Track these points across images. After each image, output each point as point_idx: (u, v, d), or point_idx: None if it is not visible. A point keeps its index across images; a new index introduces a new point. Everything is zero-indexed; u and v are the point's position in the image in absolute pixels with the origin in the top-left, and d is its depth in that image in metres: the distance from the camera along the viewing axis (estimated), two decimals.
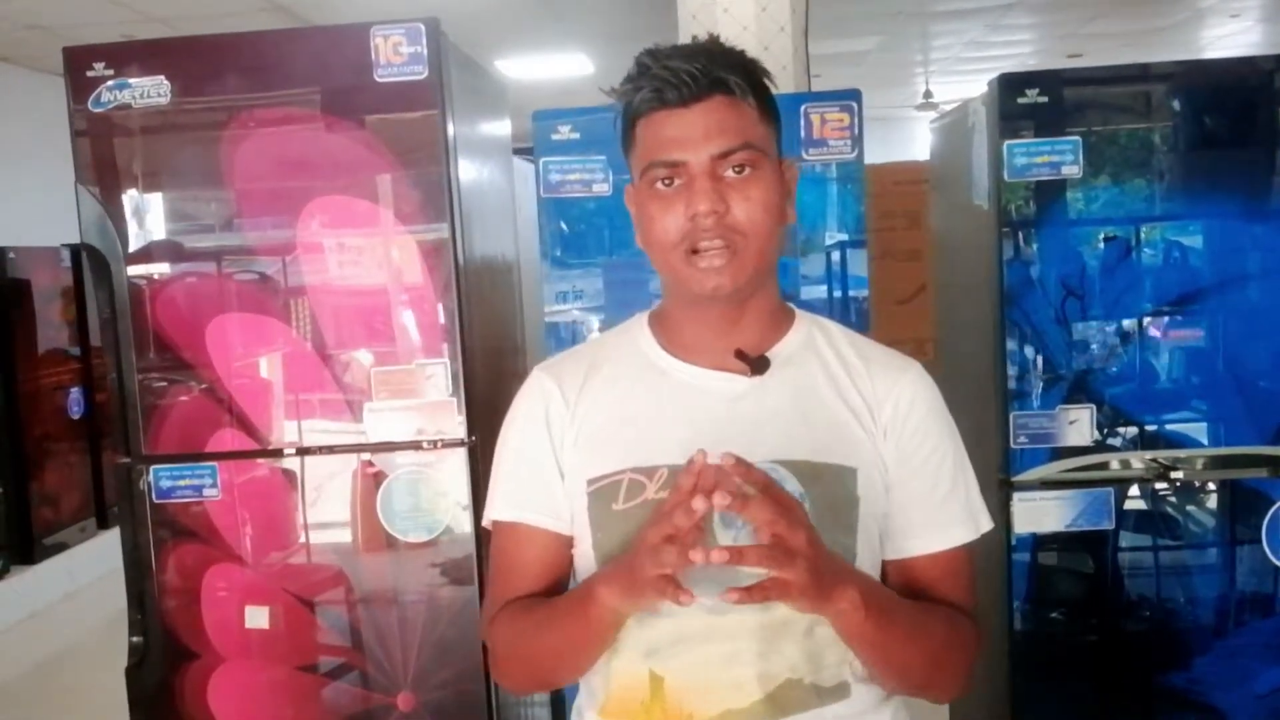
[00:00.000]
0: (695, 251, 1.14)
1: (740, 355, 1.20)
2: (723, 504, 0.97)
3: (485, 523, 1.29)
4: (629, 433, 1.20)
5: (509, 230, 2.79)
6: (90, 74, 2.20)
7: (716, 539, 1.10)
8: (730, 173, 1.13)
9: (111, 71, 2.20)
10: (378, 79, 2.17)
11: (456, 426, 2.24)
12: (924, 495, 1.20)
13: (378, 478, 2.28)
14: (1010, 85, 2.30)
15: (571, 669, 1.22)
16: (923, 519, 1.21)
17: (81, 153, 2.25)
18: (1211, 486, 2.49)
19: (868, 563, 1.18)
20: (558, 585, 1.25)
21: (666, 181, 1.14)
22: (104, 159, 2.26)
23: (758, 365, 1.20)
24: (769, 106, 1.18)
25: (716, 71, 1.12)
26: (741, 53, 1.18)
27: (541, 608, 1.20)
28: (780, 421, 1.17)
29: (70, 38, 5.16)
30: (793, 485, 1.14)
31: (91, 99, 2.20)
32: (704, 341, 1.22)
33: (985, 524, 1.24)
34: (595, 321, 2.45)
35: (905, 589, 1.21)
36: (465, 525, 2.27)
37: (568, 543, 1.24)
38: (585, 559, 1.21)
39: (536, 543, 1.23)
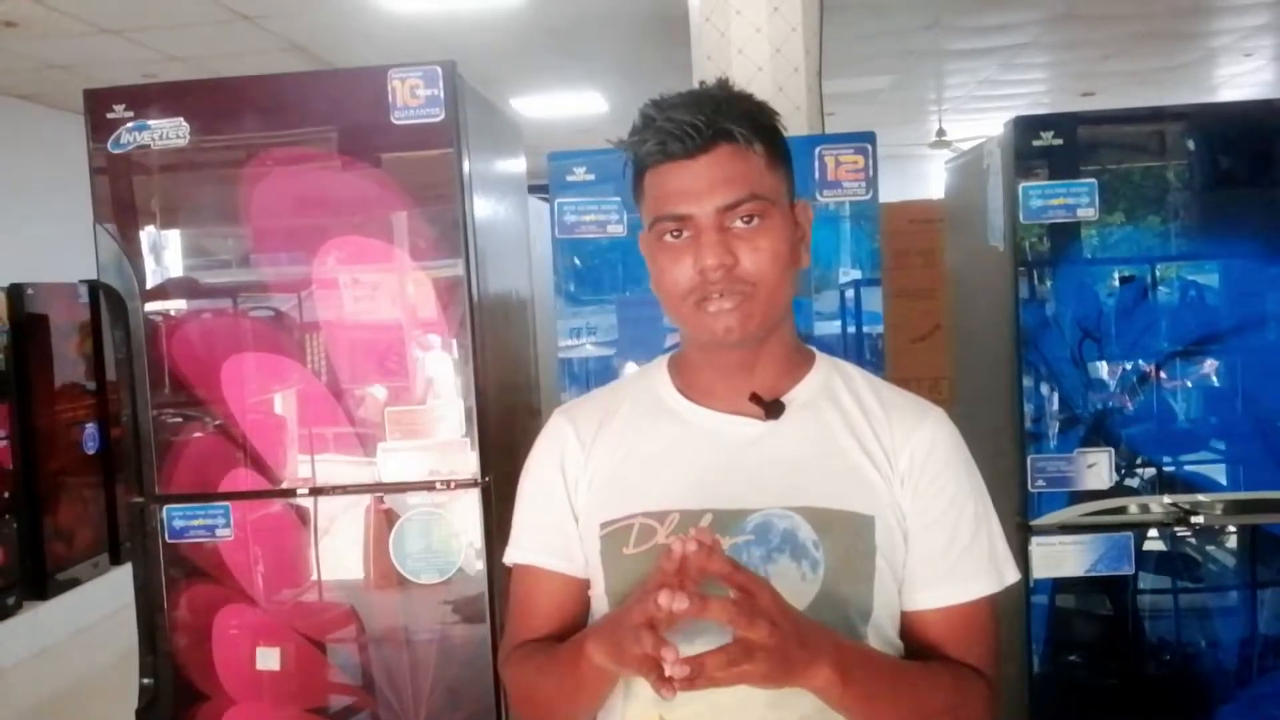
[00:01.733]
0: (705, 299, 1.13)
1: (755, 399, 1.19)
2: (680, 608, 0.95)
3: (505, 563, 1.29)
4: (641, 476, 1.19)
5: (523, 267, 2.80)
6: (110, 115, 2.22)
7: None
8: (738, 223, 1.12)
9: (131, 113, 2.22)
10: (394, 121, 2.18)
11: (470, 467, 2.24)
12: (942, 546, 1.17)
13: (390, 517, 2.27)
14: (1025, 127, 2.30)
15: (571, 715, 1.20)
16: (939, 571, 1.17)
17: (100, 192, 2.27)
18: (1232, 529, 2.46)
19: (885, 614, 1.16)
20: (572, 627, 1.24)
21: (675, 234, 1.14)
22: (122, 198, 2.28)
23: (772, 409, 1.18)
24: (778, 151, 1.17)
25: (721, 122, 1.11)
26: (749, 98, 1.17)
27: (543, 655, 1.20)
28: (795, 466, 1.16)
29: (91, 77, 5.22)
30: (806, 533, 1.13)
31: (111, 140, 2.23)
32: (720, 385, 1.21)
33: (1010, 576, 1.20)
34: (615, 358, 2.45)
35: (919, 644, 1.18)
36: (478, 566, 2.25)
37: (583, 585, 1.24)
38: (599, 601, 1.22)
39: (550, 586, 1.24)
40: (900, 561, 1.17)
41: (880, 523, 1.15)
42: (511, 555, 1.27)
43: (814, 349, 1.28)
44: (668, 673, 0.95)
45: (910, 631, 1.19)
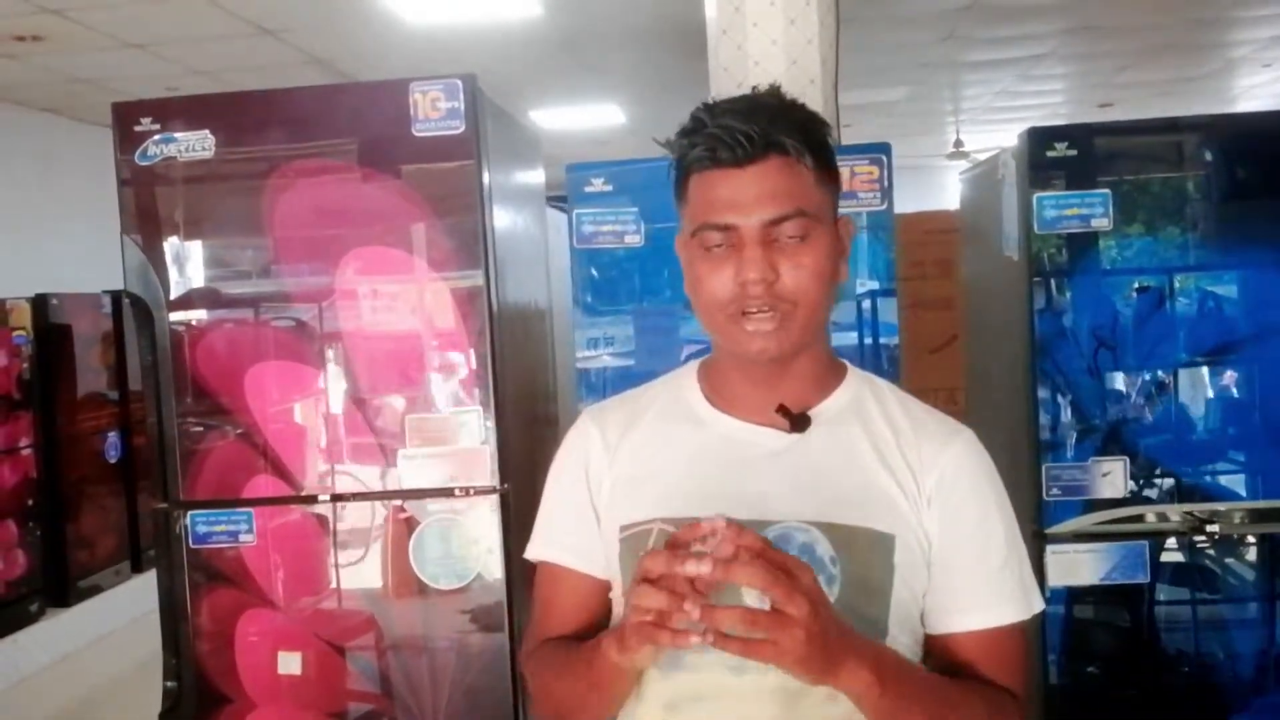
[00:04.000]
0: (743, 314, 1.12)
1: (782, 410, 1.17)
2: (704, 570, 0.93)
3: (527, 558, 1.29)
4: (663, 482, 1.19)
5: (541, 278, 2.82)
6: (138, 128, 2.26)
7: (743, 597, 1.05)
8: (783, 238, 1.10)
9: (158, 126, 2.26)
10: (416, 133, 2.21)
11: (489, 474, 2.26)
12: (971, 568, 1.15)
13: (410, 524, 2.29)
14: (1039, 138, 2.31)
15: (589, 715, 1.19)
16: (970, 594, 1.15)
17: (126, 203, 2.30)
18: (1250, 540, 2.46)
19: (903, 637, 1.14)
20: (595, 626, 1.23)
21: (718, 244, 1.12)
22: (147, 209, 2.32)
23: (798, 422, 1.17)
24: (828, 166, 1.15)
25: (774, 133, 1.09)
26: (802, 109, 1.15)
27: (563, 653, 1.20)
28: (817, 481, 1.14)
29: (115, 90, 5.27)
30: (824, 548, 1.11)
31: (138, 152, 2.26)
32: (748, 395, 1.19)
33: (1038, 604, 1.18)
34: (633, 369, 2.46)
35: (948, 667, 1.15)
36: (497, 573, 2.27)
37: (605, 586, 1.23)
38: (619, 604, 1.21)
39: (570, 584, 1.24)
40: (920, 583, 1.14)
41: (900, 543, 1.13)
42: (533, 551, 1.27)
43: (847, 363, 1.27)
44: (693, 615, 0.93)
45: (940, 655, 1.16)
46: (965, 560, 1.15)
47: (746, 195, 1.10)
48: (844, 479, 1.15)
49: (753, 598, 1.03)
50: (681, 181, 1.17)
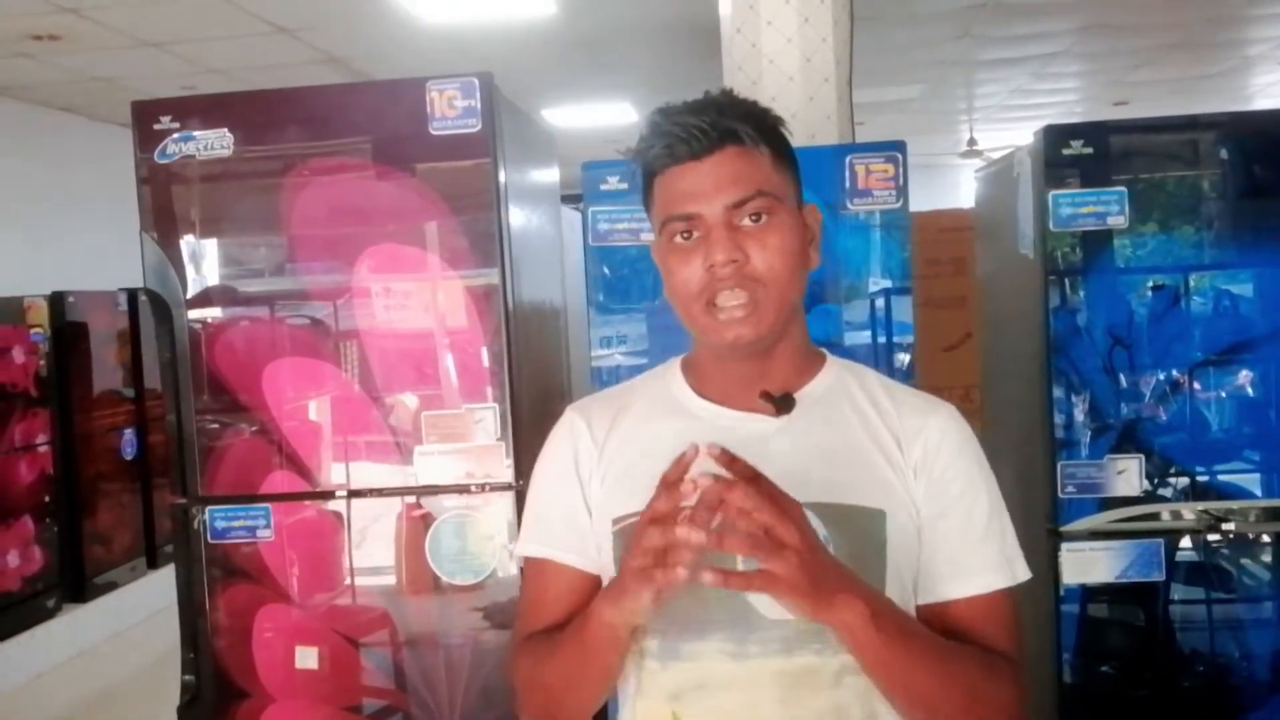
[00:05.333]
0: (714, 303, 1.15)
1: (765, 396, 1.20)
2: (705, 485, 0.97)
3: (515, 556, 1.31)
4: (654, 473, 1.17)
5: (556, 276, 2.83)
6: (157, 126, 2.28)
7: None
8: (747, 221, 1.14)
9: (177, 125, 2.27)
10: (432, 131, 2.23)
11: (504, 470, 2.27)
12: (957, 536, 1.18)
13: (425, 520, 2.31)
14: (1055, 136, 2.31)
15: (579, 697, 1.19)
16: (956, 561, 1.18)
17: (145, 201, 2.32)
18: (1266, 539, 2.45)
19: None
20: None
21: (685, 235, 1.15)
22: (166, 207, 2.33)
23: (783, 404, 1.20)
24: (784, 153, 1.19)
25: (726, 123, 1.13)
26: (753, 103, 1.19)
27: (552, 635, 1.21)
28: (807, 463, 1.17)
29: (132, 89, 5.31)
30: (817, 527, 1.12)
31: (158, 150, 2.28)
32: (732, 385, 1.22)
33: (1022, 573, 1.20)
34: (646, 367, 2.47)
35: (942, 635, 1.16)
36: (511, 569, 2.28)
37: (595, 580, 1.24)
38: None
39: (562, 579, 1.24)
40: (913, 556, 1.17)
41: (891, 517, 1.16)
42: (524, 548, 1.28)
43: (825, 351, 1.29)
44: (691, 539, 0.96)
45: (932, 623, 1.17)
46: (951, 527, 1.18)
47: (707, 184, 1.13)
48: (832, 459, 1.18)
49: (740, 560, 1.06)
50: (648, 188, 1.20)
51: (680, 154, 1.14)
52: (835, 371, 1.25)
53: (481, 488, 2.27)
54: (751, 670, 1.12)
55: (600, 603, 1.09)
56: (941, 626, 1.17)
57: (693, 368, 1.28)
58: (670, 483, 1.01)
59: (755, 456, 1.15)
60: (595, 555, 1.23)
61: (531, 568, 1.28)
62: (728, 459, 1.00)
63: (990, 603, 1.18)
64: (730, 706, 1.13)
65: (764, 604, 1.10)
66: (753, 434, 1.19)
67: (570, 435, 1.27)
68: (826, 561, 1.02)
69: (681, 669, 1.14)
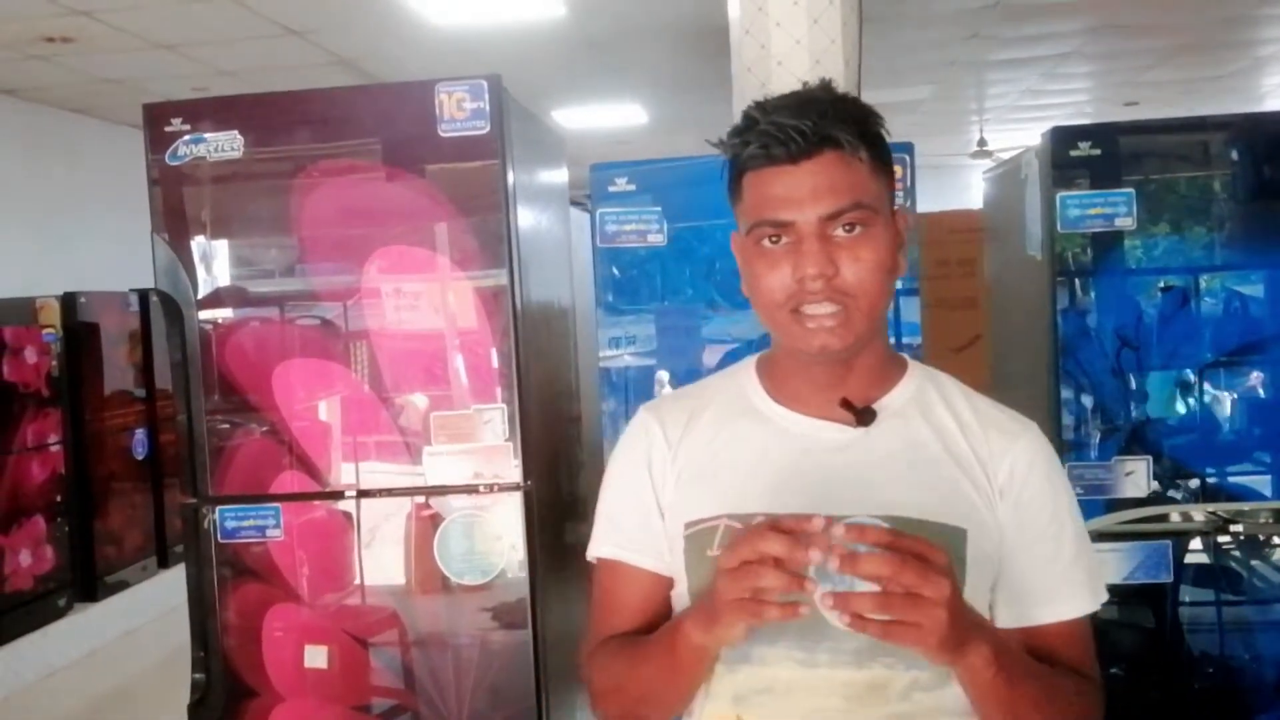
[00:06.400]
0: (802, 310, 1.11)
1: (846, 405, 1.16)
2: (832, 566, 0.93)
3: (589, 557, 1.28)
4: (728, 477, 1.17)
5: (564, 277, 2.84)
6: (168, 129, 2.29)
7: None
8: (840, 232, 1.09)
9: (188, 127, 2.28)
10: (441, 133, 2.23)
11: (512, 470, 2.27)
12: (1047, 562, 1.15)
13: (434, 520, 2.31)
14: (1062, 138, 2.31)
15: (662, 708, 1.18)
16: (1048, 586, 1.15)
17: (156, 202, 2.33)
18: (1276, 540, 2.44)
19: None
20: (656, 623, 1.22)
21: (773, 239, 1.11)
22: (177, 208, 2.34)
23: (863, 416, 1.16)
24: (882, 158, 1.14)
25: (827, 128, 1.08)
26: (855, 102, 1.14)
27: (635, 645, 1.19)
28: (886, 476, 1.13)
29: (143, 90, 5.32)
30: None
31: (169, 152, 2.29)
32: (810, 390, 1.18)
33: (1103, 596, 1.19)
34: (654, 368, 2.48)
35: (1033, 658, 1.14)
36: (520, 569, 2.29)
37: (668, 583, 1.22)
38: (681, 602, 1.20)
39: (635, 581, 1.23)
40: (990, 576, 1.14)
41: (972, 537, 1.12)
42: (596, 550, 1.26)
43: (907, 357, 1.26)
44: (820, 601, 0.93)
45: (1025, 646, 1.15)
46: (1041, 554, 1.15)
47: (802, 191, 1.09)
48: (911, 473, 1.14)
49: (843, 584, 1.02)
50: (735, 180, 1.16)
51: (776, 155, 1.09)
52: (917, 380, 1.22)
53: (490, 488, 2.28)
54: (819, 678, 1.10)
55: (691, 626, 1.06)
56: (1029, 650, 1.15)
57: (769, 369, 1.24)
58: (781, 531, 0.96)
59: (831, 466, 1.15)
60: (668, 556, 1.20)
61: (604, 569, 1.26)
62: (857, 533, 0.95)
63: (1078, 626, 1.17)
64: (795, 713, 1.11)
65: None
66: (829, 443, 1.16)
67: (644, 436, 1.25)
68: (962, 608, 0.98)
69: (749, 673, 1.12)
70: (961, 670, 1.02)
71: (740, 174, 1.14)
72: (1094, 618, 1.19)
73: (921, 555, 0.95)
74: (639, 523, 1.22)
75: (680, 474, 1.21)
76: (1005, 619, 1.16)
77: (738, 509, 1.14)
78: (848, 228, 1.10)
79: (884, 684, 1.08)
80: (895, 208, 1.17)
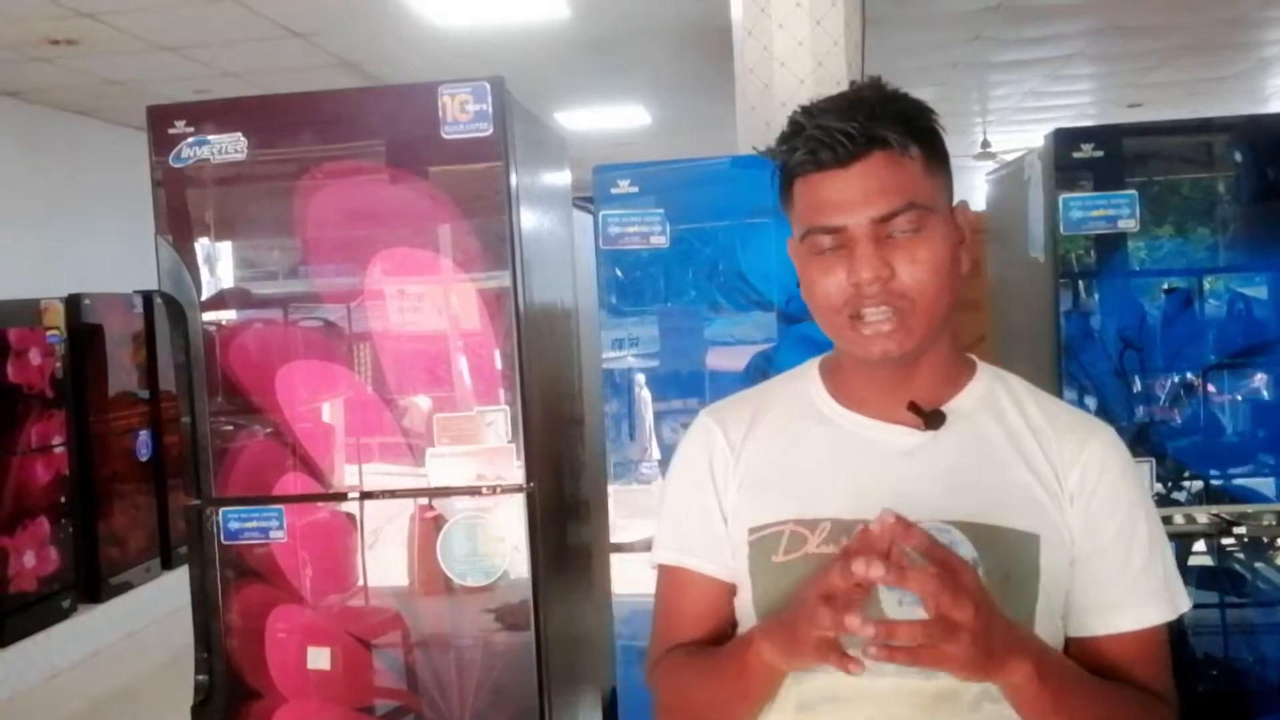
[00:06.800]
0: (859, 316, 1.09)
1: (913, 408, 1.14)
2: (877, 575, 0.91)
3: (651, 565, 1.26)
4: (793, 482, 1.15)
5: (567, 279, 2.84)
6: (172, 131, 2.29)
7: (881, 603, 1.03)
8: (895, 233, 1.07)
9: (192, 129, 2.29)
10: (445, 135, 2.23)
11: (515, 472, 2.27)
12: (1116, 570, 1.11)
13: (437, 521, 2.31)
14: (1065, 139, 2.31)
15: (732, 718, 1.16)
16: (1114, 596, 1.11)
17: (160, 204, 2.33)
18: None
19: (1045, 637, 1.09)
20: (721, 630, 1.21)
21: (828, 244, 1.09)
22: (180, 210, 2.34)
23: (932, 419, 1.14)
24: (937, 153, 1.12)
25: (875, 128, 1.06)
26: (904, 98, 1.11)
27: (704, 657, 1.17)
28: (955, 480, 1.11)
29: (146, 92, 5.34)
30: (966, 550, 1.08)
31: (172, 154, 2.30)
32: (876, 393, 1.16)
33: (1183, 604, 1.14)
34: (658, 370, 2.48)
35: (1096, 670, 1.11)
36: (522, 570, 2.29)
37: (731, 589, 1.20)
38: (745, 609, 1.18)
39: (699, 588, 1.21)
40: (1064, 583, 1.12)
41: (1045, 542, 1.10)
42: (660, 556, 1.24)
43: (975, 357, 1.23)
44: (860, 631, 0.91)
45: (1084, 657, 1.12)
46: (1110, 560, 1.12)
47: (853, 194, 1.07)
48: (982, 477, 1.12)
49: (893, 603, 1.02)
50: (786, 187, 1.14)
51: (824, 160, 1.07)
52: (985, 382, 1.19)
53: (493, 490, 2.28)
54: (886, 687, 1.07)
55: (767, 647, 1.05)
56: (1095, 660, 1.12)
57: (833, 372, 1.22)
58: (848, 556, 0.95)
59: (898, 470, 1.12)
60: (731, 562, 1.18)
61: (667, 575, 1.24)
62: (903, 529, 0.93)
63: (1146, 639, 1.12)
64: None
65: None
66: (897, 447, 1.14)
67: (705, 440, 1.23)
68: (997, 626, 0.95)
69: (815, 680, 1.09)
70: (1003, 686, 0.99)
71: (790, 181, 1.13)
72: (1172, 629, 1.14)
73: (951, 569, 0.93)
74: (701, 528, 1.20)
75: (743, 479, 1.19)
76: (1073, 629, 1.13)
77: (803, 514, 1.12)
78: (902, 229, 1.07)
79: (952, 694, 1.06)
80: (955, 204, 1.15)
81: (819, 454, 1.16)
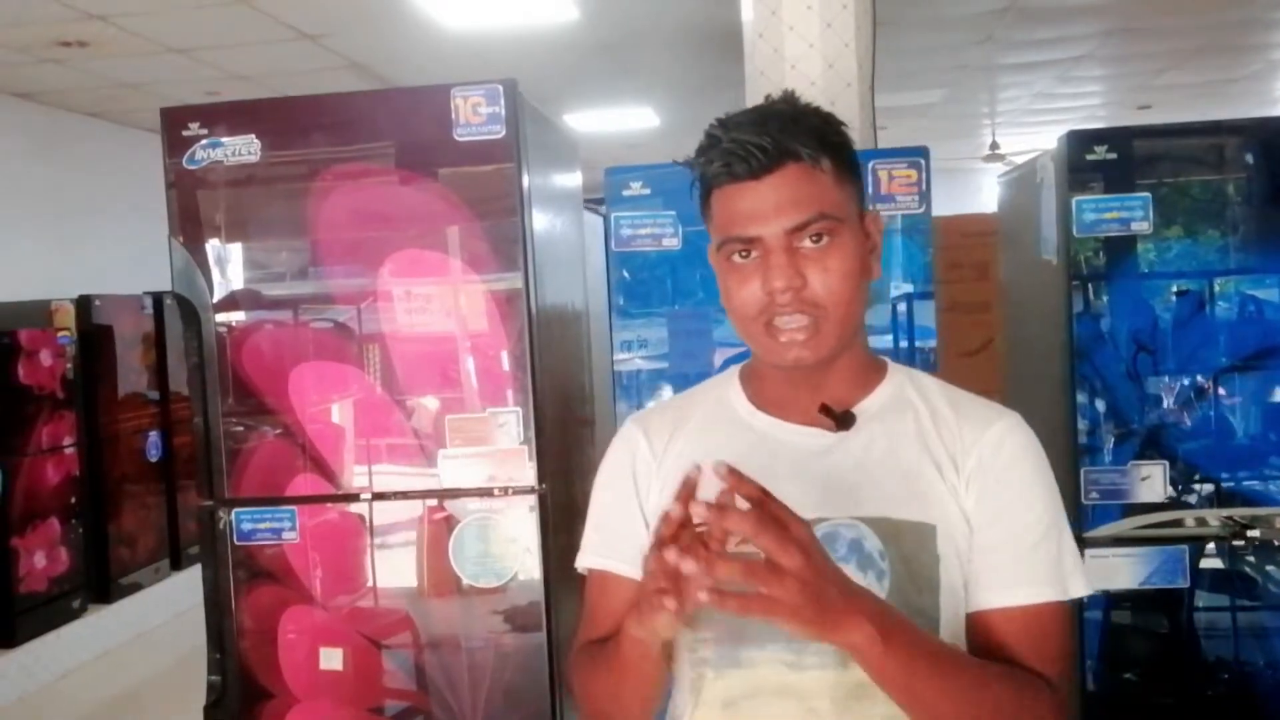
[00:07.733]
0: (774, 325, 1.13)
1: (825, 410, 1.18)
2: (699, 513, 0.93)
3: (577, 568, 1.29)
4: (712, 485, 1.15)
5: (578, 280, 2.84)
6: (185, 133, 2.30)
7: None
8: (807, 243, 1.11)
9: (205, 131, 2.30)
10: (457, 137, 2.24)
11: (526, 474, 2.28)
12: (1005, 544, 1.12)
13: (448, 523, 2.32)
14: (1078, 141, 2.31)
15: (623, 709, 1.19)
16: (1002, 570, 1.12)
17: (173, 206, 2.35)
18: None
19: (953, 625, 1.12)
20: None
21: (743, 255, 1.13)
22: (193, 212, 2.36)
23: (843, 420, 1.17)
24: (847, 165, 1.15)
25: (787, 141, 1.09)
26: (816, 112, 1.15)
27: (596, 649, 1.20)
28: (863, 477, 1.15)
29: (157, 94, 5.35)
30: (873, 543, 1.12)
31: (186, 156, 2.31)
32: (791, 397, 1.20)
33: (1076, 589, 1.14)
34: (666, 372, 2.48)
35: (982, 648, 1.12)
36: (534, 572, 2.29)
37: None
38: None
39: (621, 590, 1.22)
40: (964, 570, 1.13)
41: (942, 531, 1.12)
42: (584, 560, 1.28)
43: (886, 359, 1.27)
44: (683, 567, 0.92)
45: (974, 634, 1.13)
46: (1000, 535, 1.13)
47: (766, 205, 1.10)
48: (888, 473, 1.15)
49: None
50: (705, 198, 1.18)
51: (739, 172, 1.11)
52: (896, 382, 1.23)
53: (504, 491, 2.29)
54: (808, 680, 1.10)
55: (628, 620, 1.08)
56: (984, 637, 1.13)
57: (751, 378, 1.26)
58: (681, 501, 0.97)
59: (812, 471, 1.15)
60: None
61: (592, 579, 1.27)
62: (735, 479, 0.95)
63: (1034, 617, 1.12)
64: (784, 716, 1.11)
65: None
66: (811, 448, 1.18)
67: (629, 448, 1.26)
68: (833, 583, 0.95)
69: (737, 677, 1.13)
70: (846, 649, 0.99)
71: (708, 191, 1.16)
72: (1078, 614, 1.15)
73: (780, 520, 0.94)
74: (624, 532, 1.23)
75: (665, 483, 1.21)
76: (968, 606, 1.14)
77: None
78: (814, 239, 1.11)
79: (871, 684, 1.05)
80: (865, 211, 1.18)
81: (735, 457, 1.13)
